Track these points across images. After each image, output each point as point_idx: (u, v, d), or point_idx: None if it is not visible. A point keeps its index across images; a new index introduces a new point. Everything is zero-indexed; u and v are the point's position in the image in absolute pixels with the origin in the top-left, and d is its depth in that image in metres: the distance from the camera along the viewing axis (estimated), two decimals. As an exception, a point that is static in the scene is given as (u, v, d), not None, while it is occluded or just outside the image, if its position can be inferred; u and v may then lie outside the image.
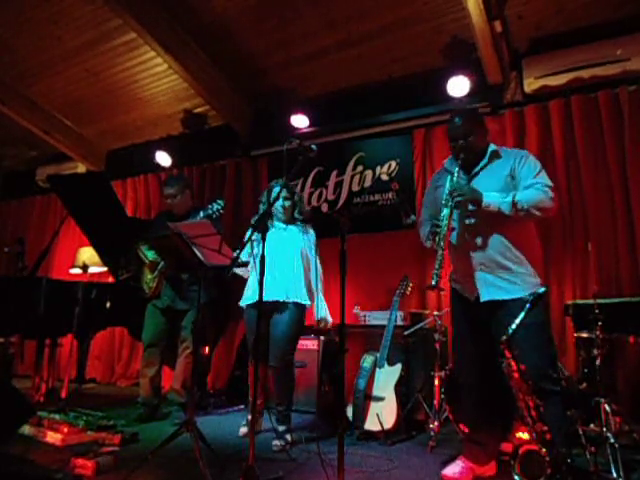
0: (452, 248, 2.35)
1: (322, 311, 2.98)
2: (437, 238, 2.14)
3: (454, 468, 2.24)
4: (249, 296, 2.98)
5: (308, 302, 2.94)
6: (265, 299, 2.69)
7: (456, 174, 2.21)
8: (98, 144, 6.11)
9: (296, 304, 2.87)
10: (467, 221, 2.23)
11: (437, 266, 2.10)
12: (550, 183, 2.16)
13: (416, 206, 4.26)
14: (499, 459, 2.33)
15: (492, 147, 2.30)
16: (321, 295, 3.00)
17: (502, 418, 2.31)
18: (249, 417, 2.97)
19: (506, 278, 2.15)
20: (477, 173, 2.28)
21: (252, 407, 2.02)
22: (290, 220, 3.05)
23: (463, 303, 2.32)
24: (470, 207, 2.18)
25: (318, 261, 3.02)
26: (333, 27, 4.08)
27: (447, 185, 2.21)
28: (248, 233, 2.95)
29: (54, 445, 2.64)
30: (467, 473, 2.22)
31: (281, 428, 2.80)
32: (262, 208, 3.03)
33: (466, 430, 2.49)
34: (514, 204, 2.08)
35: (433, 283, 2.09)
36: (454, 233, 2.29)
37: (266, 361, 2.90)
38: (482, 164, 2.27)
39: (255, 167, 5.14)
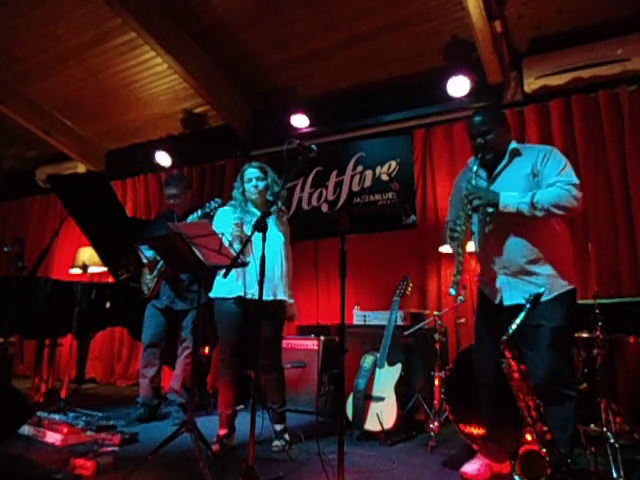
0: (476, 252, 2.36)
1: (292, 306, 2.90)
2: (456, 244, 2.12)
3: (473, 466, 2.25)
4: (231, 288, 2.72)
5: (291, 300, 2.87)
6: (250, 297, 2.66)
7: (474, 175, 2.17)
8: (98, 144, 6.11)
9: (282, 302, 2.80)
10: (487, 228, 2.20)
11: (456, 273, 2.07)
12: (575, 180, 2.08)
13: (416, 206, 4.27)
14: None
15: (513, 145, 2.25)
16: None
17: (516, 416, 2.31)
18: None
19: (530, 281, 2.12)
20: (499, 173, 2.24)
21: (252, 407, 2.01)
22: (264, 204, 2.86)
23: (487, 305, 2.30)
24: (489, 210, 2.16)
25: (289, 251, 2.92)
26: (333, 27, 4.08)
27: (465, 186, 2.18)
28: (222, 212, 2.87)
29: (54, 445, 2.64)
30: (486, 470, 2.23)
31: (278, 427, 2.79)
32: (236, 192, 2.88)
33: (483, 430, 2.48)
34: (533, 205, 2.02)
35: (452, 292, 2.07)
36: (476, 237, 2.29)
37: (247, 364, 2.82)
38: (503, 164, 2.23)
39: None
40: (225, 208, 2.89)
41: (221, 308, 2.75)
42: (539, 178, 2.13)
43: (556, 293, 2.05)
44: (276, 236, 2.81)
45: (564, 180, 2.07)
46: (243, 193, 2.87)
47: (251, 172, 2.85)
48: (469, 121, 2.31)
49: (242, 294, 2.69)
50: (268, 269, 2.67)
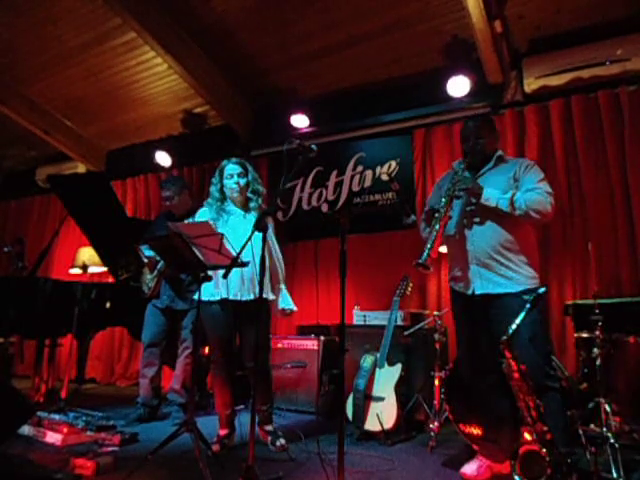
0: (450, 242, 2.41)
1: (286, 301, 2.83)
2: (433, 221, 2.20)
3: (472, 466, 2.26)
4: (213, 291, 2.67)
5: (272, 296, 2.79)
6: (233, 298, 2.63)
7: (460, 171, 2.30)
8: (98, 144, 6.11)
9: (264, 300, 2.67)
10: (468, 208, 2.29)
11: (429, 244, 2.13)
12: (551, 190, 2.23)
13: (416, 206, 4.27)
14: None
15: (499, 152, 2.38)
16: (285, 286, 2.87)
17: (514, 415, 2.32)
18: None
19: (502, 273, 2.19)
20: (483, 174, 2.35)
21: (252, 407, 2.01)
22: (245, 201, 2.82)
23: (462, 302, 2.34)
24: (471, 200, 2.25)
25: (278, 248, 2.88)
26: (333, 27, 4.08)
27: (450, 179, 2.29)
28: (200, 214, 2.82)
29: (54, 445, 2.64)
30: (485, 471, 2.24)
31: (270, 428, 2.77)
32: (214, 189, 2.81)
33: (480, 431, 2.49)
34: (512, 202, 2.14)
35: (423, 258, 2.09)
36: (452, 226, 2.34)
37: (238, 364, 2.79)
38: (488, 167, 2.35)
39: (255, 167, 5.11)
40: (203, 208, 2.84)
41: (205, 311, 2.68)
42: (519, 183, 2.25)
43: (542, 290, 2.06)
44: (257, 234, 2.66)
45: (542, 188, 2.21)
46: (221, 190, 2.80)
47: (232, 168, 2.79)
48: (463, 125, 2.44)
49: (225, 296, 2.65)
50: (248, 268, 2.60)
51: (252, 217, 2.77)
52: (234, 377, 2.81)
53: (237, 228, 2.68)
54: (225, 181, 2.79)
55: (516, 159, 2.48)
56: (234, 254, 2.28)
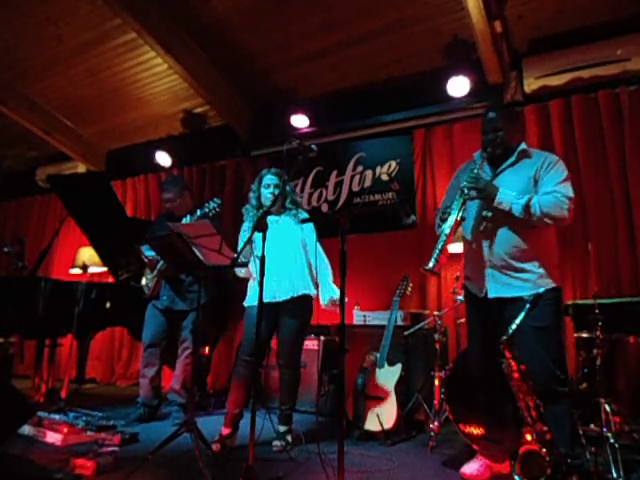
0: (465, 243, 2.38)
1: (328, 293, 2.83)
2: (444, 225, 2.15)
3: (473, 466, 2.25)
4: (251, 296, 2.86)
5: (314, 292, 2.85)
6: (269, 300, 2.68)
7: (478, 166, 2.24)
8: (98, 144, 6.11)
9: (303, 297, 2.78)
10: (484, 213, 2.24)
11: (437, 250, 2.10)
12: (571, 194, 2.13)
13: (416, 206, 4.27)
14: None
15: (523, 146, 2.30)
16: (328, 279, 2.88)
17: (515, 416, 2.32)
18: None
19: (516, 276, 2.15)
20: (503, 170, 2.28)
21: (252, 407, 2.01)
22: (281, 209, 2.92)
23: (474, 302, 2.32)
24: (483, 202, 2.20)
25: (319, 246, 2.89)
26: (333, 27, 4.08)
27: (466, 175, 2.22)
28: (244, 228, 2.93)
29: (54, 445, 2.63)
30: (485, 470, 2.23)
31: (282, 429, 2.79)
32: (252, 197, 2.94)
33: (482, 430, 2.49)
34: (527, 208, 2.07)
35: (430, 265, 2.07)
36: (467, 227, 2.31)
37: (259, 364, 2.85)
38: (509, 162, 2.28)
39: (255, 167, 5.12)
40: (244, 216, 2.97)
41: (246, 313, 2.84)
42: (539, 184, 2.17)
43: (541, 290, 2.05)
44: (292, 232, 2.84)
45: (561, 192, 2.12)
46: (258, 198, 2.92)
47: (269, 179, 2.89)
48: (483, 116, 2.36)
49: (265, 299, 2.69)
50: (282, 267, 2.73)
51: (286, 218, 2.89)
52: (255, 379, 2.89)
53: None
54: (262, 189, 2.89)
55: (541, 154, 2.32)
56: (234, 254, 2.28)
